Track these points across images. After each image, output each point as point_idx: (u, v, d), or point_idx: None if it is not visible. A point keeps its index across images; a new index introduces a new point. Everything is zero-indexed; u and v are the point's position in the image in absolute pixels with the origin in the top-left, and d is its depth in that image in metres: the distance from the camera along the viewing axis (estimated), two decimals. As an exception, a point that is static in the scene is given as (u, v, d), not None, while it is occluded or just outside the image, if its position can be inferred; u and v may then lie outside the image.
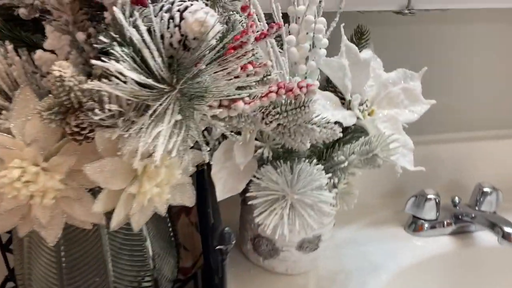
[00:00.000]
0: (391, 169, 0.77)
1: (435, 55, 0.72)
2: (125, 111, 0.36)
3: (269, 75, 0.42)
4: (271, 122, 0.42)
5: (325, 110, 0.49)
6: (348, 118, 0.49)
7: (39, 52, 0.39)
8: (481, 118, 0.79)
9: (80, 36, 0.39)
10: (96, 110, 0.35)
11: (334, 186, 0.48)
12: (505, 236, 0.62)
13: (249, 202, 0.46)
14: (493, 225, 0.65)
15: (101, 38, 0.35)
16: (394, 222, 0.74)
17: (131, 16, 0.36)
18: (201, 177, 0.56)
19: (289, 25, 0.51)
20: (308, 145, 0.46)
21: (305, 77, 0.51)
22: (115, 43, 0.35)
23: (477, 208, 0.72)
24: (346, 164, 0.48)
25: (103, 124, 0.36)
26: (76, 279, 0.47)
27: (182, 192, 0.48)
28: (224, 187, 0.48)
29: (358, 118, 0.51)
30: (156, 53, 0.34)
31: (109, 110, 0.35)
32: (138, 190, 0.41)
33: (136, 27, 0.33)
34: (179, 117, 0.35)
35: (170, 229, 0.54)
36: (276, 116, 0.42)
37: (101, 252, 0.47)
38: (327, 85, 0.56)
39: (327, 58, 0.52)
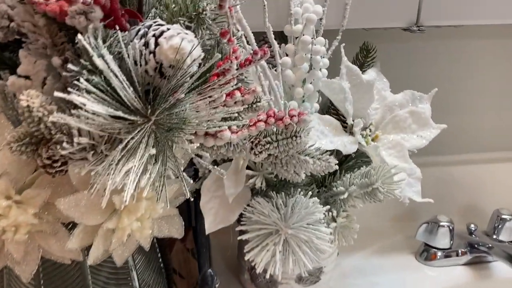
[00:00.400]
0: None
1: (447, 72, 0.68)
2: (97, 144, 0.34)
3: (259, 101, 0.39)
4: (260, 152, 0.39)
5: (323, 136, 0.45)
6: (348, 146, 0.45)
7: (11, 78, 0.37)
8: (499, 138, 0.73)
9: (56, 61, 0.36)
10: (65, 144, 0.32)
11: (333, 219, 0.45)
12: (524, 270, 0.57)
13: (239, 238, 0.43)
14: (510, 257, 0.60)
15: (70, 66, 0.32)
16: (405, 249, 0.69)
17: (104, 41, 0.34)
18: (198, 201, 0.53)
19: (285, 44, 0.47)
20: (303, 176, 0.42)
21: (303, 101, 0.47)
22: (85, 71, 0.32)
23: (495, 237, 0.67)
24: (345, 195, 0.44)
25: (74, 158, 0.34)
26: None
27: (169, 224, 0.45)
28: (215, 218, 0.45)
29: (360, 144, 0.47)
30: (126, 83, 0.31)
31: (78, 144, 0.32)
32: (116, 225, 0.39)
33: (101, 55, 0.30)
34: (153, 151, 0.32)
35: (160, 258, 0.51)
36: (267, 146, 0.39)
37: (83, 286, 0.44)
38: (330, 106, 0.53)
39: (328, 79, 0.48)
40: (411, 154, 0.53)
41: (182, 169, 0.35)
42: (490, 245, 0.64)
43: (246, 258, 0.42)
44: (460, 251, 0.66)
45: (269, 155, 0.40)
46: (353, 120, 0.48)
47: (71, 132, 0.32)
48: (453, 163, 0.73)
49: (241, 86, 0.39)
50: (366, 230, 0.71)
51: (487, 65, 0.69)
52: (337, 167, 0.40)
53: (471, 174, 0.73)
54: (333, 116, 0.50)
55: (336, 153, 0.51)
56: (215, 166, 0.45)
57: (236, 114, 0.37)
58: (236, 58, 0.34)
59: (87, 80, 0.32)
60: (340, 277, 0.63)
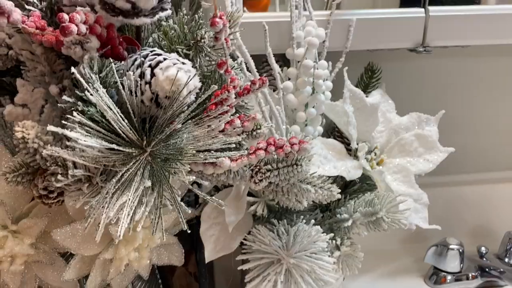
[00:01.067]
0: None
1: (454, 91, 0.66)
2: (92, 176, 0.33)
3: (259, 128, 0.38)
4: (261, 180, 0.38)
5: (326, 161, 0.44)
6: (352, 171, 0.44)
7: (8, 108, 0.36)
8: (509, 158, 0.71)
9: (53, 89, 0.36)
10: (59, 176, 0.32)
11: (337, 247, 0.43)
12: (537, 297, 0.55)
13: (239, 267, 0.41)
14: (524, 283, 0.58)
15: (65, 97, 0.31)
16: (414, 272, 0.67)
17: (100, 71, 0.33)
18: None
19: (288, 67, 0.46)
20: (306, 204, 0.41)
21: (306, 125, 0.46)
22: (80, 102, 0.32)
23: (506, 260, 0.65)
24: (350, 223, 0.43)
25: (69, 189, 0.33)
26: None
27: (169, 252, 0.44)
28: (215, 246, 0.44)
29: (365, 168, 0.46)
30: (120, 115, 0.30)
31: (73, 176, 0.32)
32: (114, 256, 0.38)
33: (95, 88, 0.29)
34: (148, 183, 0.31)
35: (161, 284, 0.50)
36: (267, 174, 0.38)
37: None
38: (335, 128, 0.51)
39: (331, 102, 0.47)
40: (417, 177, 0.51)
41: (179, 199, 0.34)
42: (501, 270, 0.62)
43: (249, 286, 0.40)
44: (470, 275, 0.64)
45: (270, 183, 0.39)
46: (357, 144, 0.47)
47: (66, 164, 0.32)
48: (462, 183, 0.71)
49: (241, 113, 0.39)
50: (372, 253, 0.69)
51: (495, 84, 0.67)
52: (339, 196, 0.39)
53: (481, 194, 0.71)
54: (337, 139, 0.49)
55: (341, 177, 0.50)
56: (213, 196, 0.45)
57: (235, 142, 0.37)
58: (234, 87, 0.33)
59: (82, 111, 0.31)
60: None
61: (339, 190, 0.38)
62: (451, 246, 0.64)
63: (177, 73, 0.30)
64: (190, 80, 0.30)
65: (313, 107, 0.46)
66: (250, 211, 0.42)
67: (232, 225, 0.41)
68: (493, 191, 0.71)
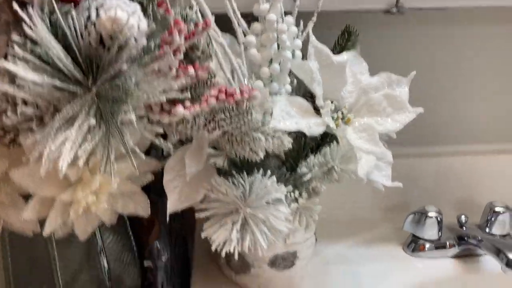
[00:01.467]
0: (397, 181, 0.70)
1: (435, 58, 0.65)
2: (43, 115, 0.34)
3: (213, 77, 0.38)
4: (214, 129, 0.38)
5: (288, 117, 0.44)
6: (313, 127, 0.44)
7: (-29, 53, 0.38)
8: (494, 129, 0.70)
9: (15, 37, 0.37)
10: (9, 113, 0.33)
11: (296, 200, 0.44)
12: (509, 263, 0.54)
13: (197, 215, 0.42)
14: (498, 251, 0.57)
15: (13, 36, 0.32)
16: (393, 240, 0.67)
17: (52, 14, 0.34)
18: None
19: (256, 25, 0.46)
20: (261, 155, 0.41)
21: (271, 81, 0.46)
22: (29, 41, 0.33)
23: (487, 230, 0.64)
24: (308, 177, 0.43)
25: (20, 128, 0.34)
26: (24, 283, 0.45)
27: (135, 202, 0.45)
28: (179, 196, 0.45)
29: (329, 127, 0.46)
30: (64, 53, 0.31)
31: (22, 113, 0.33)
32: (71, 198, 0.39)
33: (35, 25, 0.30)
34: (93, 121, 0.32)
35: (132, 237, 0.52)
36: (221, 122, 0.38)
37: (48, 260, 0.45)
38: (306, 89, 0.51)
39: (300, 61, 0.47)
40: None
41: (131, 142, 0.35)
42: (480, 238, 0.61)
43: (202, 235, 0.41)
44: (448, 243, 0.63)
45: (224, 132, 0.39)
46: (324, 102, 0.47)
47: (15, 102, 0.33)
48: (446, 154, 0.70)
49: (196, 62, 0.39)
50: (354, 221, 0.70)
51: (477, 51, 0.66)
52: (289, 145, 0.39)
53: (466, 166, 0.70)
54: (308, 101, 0.49)
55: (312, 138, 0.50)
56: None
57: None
58: (180, 31, 0.33)
59: (31, 51, 0.32)
60: (321, 264, 0.62)
61: (290, 140, 0.39)
62: (429, 214, 0.63)
63: (118, 12, 0.31)
64: (133, 20, 0.31)
65: (279, 64, 0.46)
66: (211, 163, 0.43)
67: (190, 175, 0.42)
68: (477, 163, 0.70)
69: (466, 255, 0.63)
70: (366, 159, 0.44)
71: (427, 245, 0.64)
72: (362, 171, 0.43)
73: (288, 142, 0.38)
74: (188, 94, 0.35)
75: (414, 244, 0.64)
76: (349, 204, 0.70)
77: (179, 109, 0.37)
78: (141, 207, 0.46)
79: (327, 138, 0.51)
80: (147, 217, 0.47)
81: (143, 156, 0.37)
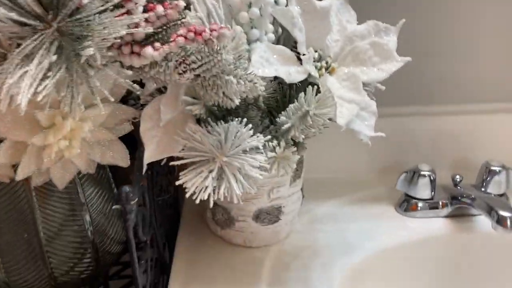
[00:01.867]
0: (391, 142, 0.69)
1: (433, 9, 0.62)
2: (6, 52, 0.33)
3: (184, 17, 0.37)
4: (184, 71, 0.37)
5: (268, 64, 0.42)
6: (293, 75, 0.43)
7: None
8: (492, 88, 0.67)
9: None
10: (-31, 49, 0.32)
11: (274, 149, 0.43)
12: (499, 220, 0.53)
13: (171, 163, 0.42)
14: (490, 209, 0.55)
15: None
16: (386, 200, 0.66)
17: None
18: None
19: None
20: (237, 102, 0.40)
21: (251, 27, 0.45)
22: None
23: (483, 189, 0.63)
24: (288, 125, 0.42)
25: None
26: (5, 232, 0.46)
27: (113, 151, 0.45)
28: (158, 147, 0.44)
29: (312, 76, 0.44)
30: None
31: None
32: (43, 143, 0.39)
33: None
34: (54, 58, 0.31)
35: (115, 189, 0.51)
36: (192, 65, 0.37)
37: (30, 210, 0.45)
38: (292, 39, 0.50)
39: (281, 7, 0.45)
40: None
41: (97, 83, 0.34)
42: (473, 197, 0.60)
43: (177, 183, 0.41)
44: (441, 203, 0.62)
45: (197, 76, 0.38)
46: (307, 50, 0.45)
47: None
48: (442, 113, 0.68)
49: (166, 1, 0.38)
50: (346, 181, 0.69)
51: (479, 5, 0.63)
52: (262, 88, 0.38)
53: (461, 125, 0.68)
54: (293, 50, 0.47)
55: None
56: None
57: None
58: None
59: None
60: (308, 222, 0.61)
61: (264, 83, 0.37)
62: (422, 172, 0.62)
63: None
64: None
65: (260, 8, 0.44)
66: (188, 110, 0.42)
67: (163, 122, 0.42)
68: (475, 122, 0.68)
69: (459, 215, 0.62)
70: (347, 107, 0.43)
71: (420, 205, 0.63)
72: (342, 120, 0.41)
73: (261, 86, 0.37)
74: (151, 29, 0.34)
75: (406, 204, 0.63)
76: (341, 164, 0.69)
77: (148, 50, 0.36)
78: (120, 157, 0.46)
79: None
80: (126, 166, 0.47)
81: (111, 98, 0.36)
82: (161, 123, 0.41)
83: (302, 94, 0.40)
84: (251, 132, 0.40)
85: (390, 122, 0.68)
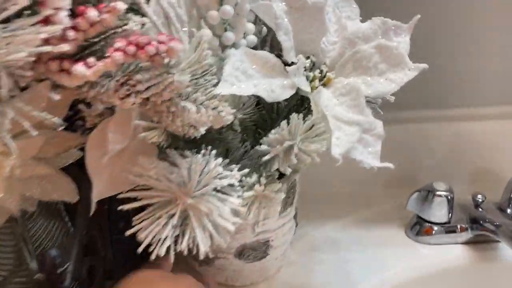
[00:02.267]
0: (399, 150, 0.59)
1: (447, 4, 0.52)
2: None
3: (125, 24, 0.28)
4: (128, 95, 0.28)
5: (245, 78, 0.33)
6: (278, 91, 0.33)
7: None
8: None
9: None
10: None
11: (253, 186, 0.34)
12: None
13: (120, 208, 0.33)
14: (518, 240, 0.46)
15: None
16: (394, 220, 0.57)
17: None
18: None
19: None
20: (203, 130, 0.31)
21: (225, 29, 0.35)
22: None
23: (509, 211, 0.53)
24: (269, 157, 0.33)
25: None
26: None
27: (55, 186, 0.37)
28: (109, 181, 0.35)
29: (301, 90, 0.35)
30: None
31: None
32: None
33: None
34: None
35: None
36: (137, 86, 0.28)
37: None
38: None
39: (263, 1, 0.36)
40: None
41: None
42: (497, 223, 0.50)
43: (127, 233, 0.32)
44: (459, 227, 0.53)
45: (146, 100, 0.29)
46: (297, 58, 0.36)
47: None
48: (460, 118, 0.58)
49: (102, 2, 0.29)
50: (347, 197, 0.60)
51: None
52: (231, 118, 0.29)
53: (483, 132, 0.58)
54: (281, 55, 0.38)
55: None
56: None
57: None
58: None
59: None
60: (304, 250, 0.52)
61: (232, 111, 0.28)
62: (438, 192, 0.53)
63: None
64: None
65: (236, 5, 0.34)
66: (142, 137, 0.33)
67: (110, 154, 0.33)
68: (500, 129, 0.58)
69: (481, 241, 0.53)
70: (346, 131, 0.33)
71: (435, 228, 0.54)
72: (338, 149, 0.32)
73: (228, 115, 0.28)
74: (68, 47, 0.25)
75: (419, 227, 0.54)
76: (341, 176, 0.59)
77: (79, 68, 0.27)
78: (67, 193, 0.37)
79: (306, 102, 0.40)
80: (74, 202, 0.38)
81: (33, 132, 0.28)
82: (107, 156, 0.33)
83: (284, 123, 0.31)
84: (220, 166, 0.31)
85: (399, 128, 0.59)
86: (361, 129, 0.35)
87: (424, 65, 0.37)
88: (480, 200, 0.54)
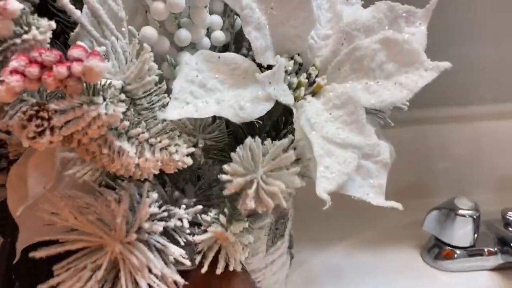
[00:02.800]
0: (411, 153, 0.51)
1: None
2: None
3: (27, 31, 0.19)
4: (41, 132, 0.20)
5: (205, 93, 0.24)
6: (248, 107, 0.25)
7: None
8: None
9: None
10: None
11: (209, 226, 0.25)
12: None
13: (31, 254, 0.25)
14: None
15: None
16: (407, 240, 0.48)
17: None
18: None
19: None
20: (155, 171, 0.23)
21: (178, 26, 0.27)
22: None
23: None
24: (228, 193, 0.24)
25: None
26: None
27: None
28: (35, 224, 0.27)
29: (279, 101, 0.26)
30: None
31: None
32: None
33: None
34: None
35: None
36: (55, 120, 0.19)
37: None
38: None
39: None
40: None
41: None
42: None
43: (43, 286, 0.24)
44: (486, 250, 0.44)
45: (70, 137, 0.21)
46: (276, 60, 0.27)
47: None
48: (481, 117, 0.49)
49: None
50: (351, 212, 0.50)
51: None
52: (190, 161, 0.21)
53: (508, 132, 0.49)
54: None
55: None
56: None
57: None
58: None
59: None
60: (306, 281, 0.44)
61: (190, 150, 0.20)
62: (461, 211, 0.44)
63: None
64: None
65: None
66: (69, 175, 0.25)
67: (35, 197, 0.25)
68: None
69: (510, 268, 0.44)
70: (339, 158, 0.25)
71: (457, 252, 0.45)
72: (325, 185, 0.24)
73: (184, 157, 0.20)
74: None
75: (438, 250, 0.46)
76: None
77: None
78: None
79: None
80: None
81: None
82: (28, 201, 0.24)
83: (247, 150, 0.22)
84: (157, 204, 0.23)
85: (410, 129, 0.50)
86: (359, 154, 0.26)
87: (446, 64, 0.28)
88: (511, 217, 0.45)
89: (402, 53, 0.28)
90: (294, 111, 0.27)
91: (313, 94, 0.28)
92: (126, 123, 0.20)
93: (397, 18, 0.29)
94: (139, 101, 0.22)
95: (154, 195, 0.23)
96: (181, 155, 0.20)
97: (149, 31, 0.25)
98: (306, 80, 0.28)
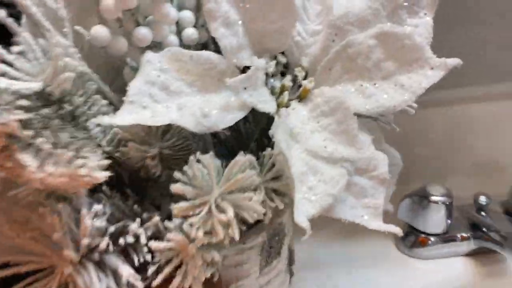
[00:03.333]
0: (390, 138, 0.47)
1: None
2: None
3: None
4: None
5: (168, 96, 0.18)
6: (214, 115, 0.18)
7: None
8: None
9: None
10: None
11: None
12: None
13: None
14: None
15: None
16: (383, 232, 0.45)
17: None
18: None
19: None
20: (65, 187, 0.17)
21: (137, 23, 0.20)
22: None
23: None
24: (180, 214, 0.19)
25: None
26: None
27: None
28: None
29: (256, 109, 0.21)
30: None
31: None
32: None
33: None
34: None
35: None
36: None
37: None
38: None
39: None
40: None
41: None
42: (503, 234, 0.39)
43: None
44: (459, 236, 0.41)
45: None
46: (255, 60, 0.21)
47: None
48: (461, 100, 0.45)
49: None
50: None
51: None
52: (102, 176, 0.15)
53: (489, 116, 0.45)
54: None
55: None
56: None
57: None
58: None
59: None
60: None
61: (102, 163, 0.14)
62: (433, 198, 0.40)
63: None
64: None
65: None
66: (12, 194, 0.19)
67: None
68: (503, 111, 0.45)
69: (486, 251, 0.42)
70: (325, 176, 0.19)
71: (431, 239, 0.42)
72: (308, 209, 0.18)
73: (97, 171, 0.14)
74: None
75: (412, 238, 0.42)
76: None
77: None
78: None
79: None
80: None
81: None
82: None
83: (197, 166, 0.17)
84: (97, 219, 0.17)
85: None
86: (351, 170, 0.21)
87: (455, 61, 0.22)
88: (484, 202, 0.42)
89: (402, 49, 0.21)
90: (276, 119, 0.21)
91: (300, 99, 0.23)
92: (29, 132, 0.15)
93: (397, 8, 0.22)
94: (63, 105, 0.16)
95: (97, 207, 0.18)
96: (90, 169, 0.15)
97: (100, 30, 0.18)
98: (291, 83, 0.22)
